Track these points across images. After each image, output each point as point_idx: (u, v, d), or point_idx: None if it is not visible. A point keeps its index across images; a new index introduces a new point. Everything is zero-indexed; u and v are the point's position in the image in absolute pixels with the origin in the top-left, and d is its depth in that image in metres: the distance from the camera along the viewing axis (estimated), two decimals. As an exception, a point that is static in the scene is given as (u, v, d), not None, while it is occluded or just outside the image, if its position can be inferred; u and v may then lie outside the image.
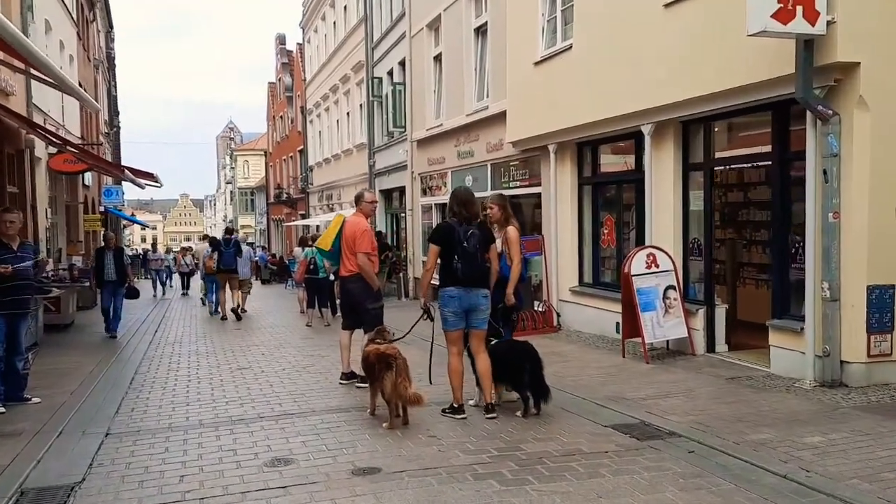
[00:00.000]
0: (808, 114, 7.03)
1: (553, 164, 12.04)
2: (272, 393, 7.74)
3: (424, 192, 18.91)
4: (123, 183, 24.79)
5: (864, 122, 6.86)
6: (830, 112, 6.87)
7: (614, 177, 11.51)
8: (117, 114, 36.89)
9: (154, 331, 14.08)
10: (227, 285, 16.07)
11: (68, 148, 15.01)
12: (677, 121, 9.24)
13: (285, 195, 42.58)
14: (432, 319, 6.47)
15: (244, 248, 17.55)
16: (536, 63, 12.08)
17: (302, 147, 36.48)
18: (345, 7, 26.66)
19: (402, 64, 20.04)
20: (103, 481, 5.02)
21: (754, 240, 9.50)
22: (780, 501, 4.33)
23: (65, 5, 18.71)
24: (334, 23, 28.52)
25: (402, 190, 20.75)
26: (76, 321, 14.80)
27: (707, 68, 8.16)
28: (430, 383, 6.65)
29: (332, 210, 27.09)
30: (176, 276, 27.79)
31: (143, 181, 18.72)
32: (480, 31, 15.24)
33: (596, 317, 11.11)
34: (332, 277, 13.20)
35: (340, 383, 8.04)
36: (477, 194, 6.83)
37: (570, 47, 11.10)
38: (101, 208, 25.96)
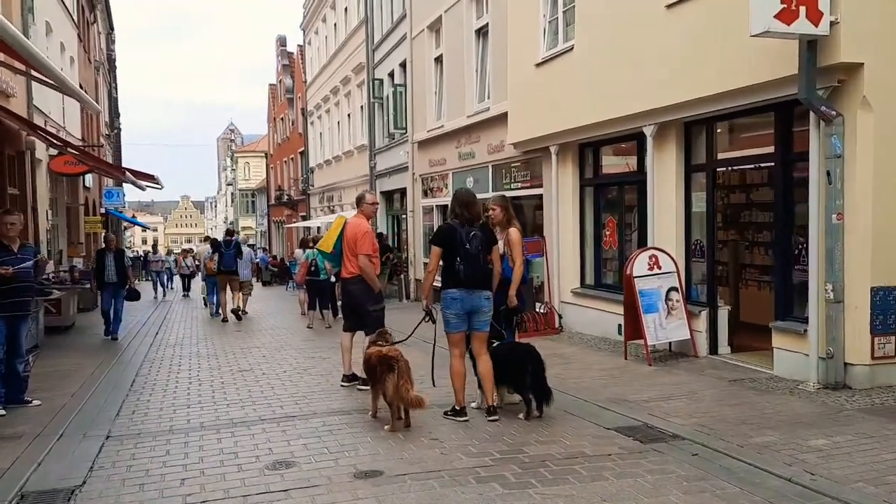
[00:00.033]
0: (812, 115, 7.00)
1: (554, 165, 12.02)
2: (273, 395, 7.72)
3: (425, 194, 18.89)
4: (124, 185, 24.79)
5: (868, 122, 6.83)
6: (834, 113, 6.85)
7: (616, 178, 11.49)
8: (118, 115, 36.91)
9: (155, 333, 14.07)
10: (228, 287, 16.06)
11: (69, 150, 14.98)
12: (679, 122, 9.22)
13: (286, 197, 42.58)
14: (434, 321, 6.44)
15: (245, 249, 17.53)
16: (538, 64, 12.06)
17: (303, 149, 36.48)
18: (345, 9, 26.66)
19: (403, 65, 20.03)
20: (104, 484, 4.99)
21: (757, 241, 9.46)
22: (785, 505, 4.30)
23: (66, 7, 18.71)
24: (335, 24, 28.53)
25: (402, 191, 20.74)
26: (77, 323, 14.79)
27: (709, 69, 8.14)
28: (434, 385, 6.63)
29: (332, 212, 27.10)
30: (177, 278, 27.77)
31: (143, 183, 18.71)
32: (481, 32, 15.22)
33: (598, 318, 11.08)
34: (333, 279, 13.19)
35: (342, 385, 8.02)
36: (478, 196, 6.81)
37: (572, 48, 11.08)
38: (102, 210, 25.95)
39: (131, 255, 31.10)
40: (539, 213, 13.18)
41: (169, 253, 39.05)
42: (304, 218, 34.95)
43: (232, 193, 76.50)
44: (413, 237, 19.83)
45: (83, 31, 22.21)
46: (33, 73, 9.88)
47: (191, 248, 27.81)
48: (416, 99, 19.04)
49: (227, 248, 16.08)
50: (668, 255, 9.16)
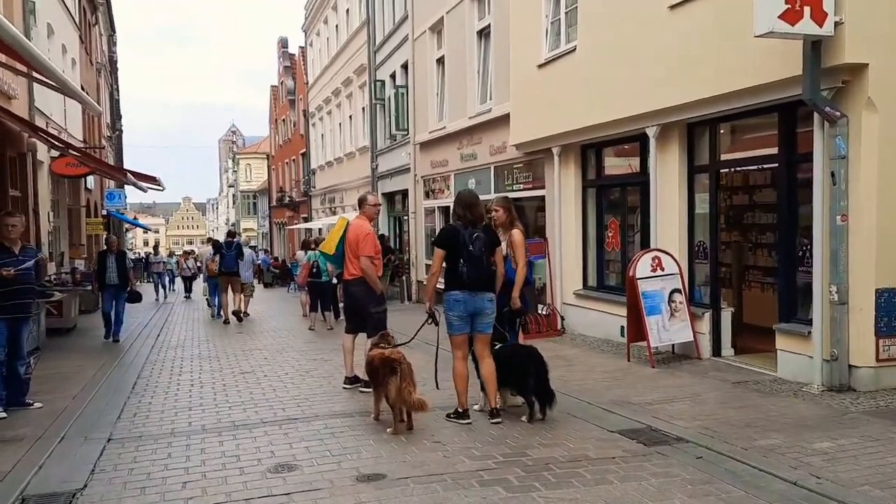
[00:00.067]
0: (816, 115, 6.97)
1: (557, 166, 11.99)
2: (275, 397, 7.70)
3: (427, 195, 18.87)
4: (126, 186, 24.79)
5: (873, 123, 6.80)
6: (838, 114, 6.82)
7: (618, 179, 11.46)
8: (119, 117, 36.91)
9: (156, 335, 14.05)
10: (229, 288, 16.04)
11: (70, 151, 14.97)
12: (682, 123, 9.18)
13: (288, 198, 42.59)
14: (437, 324, 6.41)
15: (246, 251, 17.52)
16: (540, 65, 12.03)
17: (304, 150, 36.49)
18: (347, 10, 26.67)
19: (405, 67, 20.02)
20: (105, 488, 4.97)
21: (761, 243, 9.43)
22: (791, 508, 4.27)
23: (67, 9, 18.71)
24: (336, 26, 28.54)
25: (404, 193, 20.72)
26: (78, 325, 14.77)
27: (713, 70, 8.11)
28: (437, 388, 6.60)
29: (334, 213, 27.09)
30: (178, 280, 27.75)
31: (145, 184, 18.70)
32: (483, 33, 15.20)
33: (600, 320, 11.05)
34: (334, 281, 13.16)
35: (344, 388, 7.99)
36: (480, 197, 6.78)
37: (574, 49, 11.05)
38: (104, 212, 25.95)
39: (133, 257, 31.08)
40: (541, 215, 13.15)
41: (170, 255, 39.01)
42: (306, 219, 34.95)
43: (233, 195, 76.56)
44: (415, 239, 19.80)
45: (85, 33, 22.22)
46: (35, 74, 9.86)
47: (192, 251, 27.78)
48: (417, 100, 19.02)
49: (228, 250, 16.07)
50: (672, 256, 9.13)
